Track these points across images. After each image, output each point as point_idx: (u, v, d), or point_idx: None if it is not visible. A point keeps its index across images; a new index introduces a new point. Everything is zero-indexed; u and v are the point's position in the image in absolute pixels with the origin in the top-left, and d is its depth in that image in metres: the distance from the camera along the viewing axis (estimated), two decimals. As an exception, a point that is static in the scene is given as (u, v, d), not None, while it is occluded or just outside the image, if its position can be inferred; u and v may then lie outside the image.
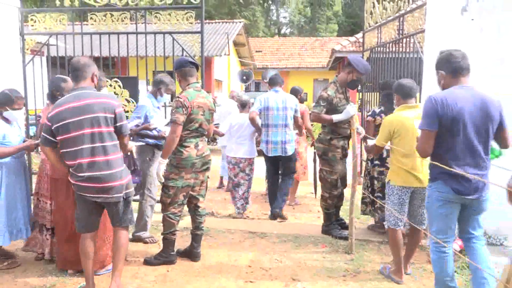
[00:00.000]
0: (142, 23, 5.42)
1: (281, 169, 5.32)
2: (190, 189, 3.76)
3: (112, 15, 5.12)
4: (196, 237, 3.91)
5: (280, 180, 5.33)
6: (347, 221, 4.55)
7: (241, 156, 5.28)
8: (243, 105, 5.58)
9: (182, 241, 4.31)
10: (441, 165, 2.72)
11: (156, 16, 5.11)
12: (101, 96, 3.07)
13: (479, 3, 3.83)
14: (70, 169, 3.02)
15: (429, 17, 4.48)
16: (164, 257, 3.79)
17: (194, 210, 3.90)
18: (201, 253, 3.95)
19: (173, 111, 3.56)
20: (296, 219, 5.39)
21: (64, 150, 3.00)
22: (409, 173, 3.38)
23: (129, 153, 3.73)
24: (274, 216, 5.21)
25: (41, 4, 19.01)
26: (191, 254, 3.91)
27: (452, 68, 2.78)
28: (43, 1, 19.62)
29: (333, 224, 4.67)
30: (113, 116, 3.02)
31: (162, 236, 3.82)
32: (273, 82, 5.28)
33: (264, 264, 3.87)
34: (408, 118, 3.39)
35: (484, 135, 2.72)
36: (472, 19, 3.88)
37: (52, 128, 2.96)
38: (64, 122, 2.94)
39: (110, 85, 5.05)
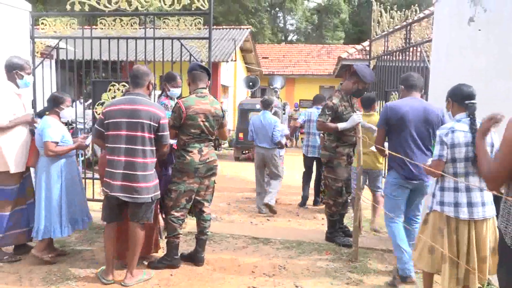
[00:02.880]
0: (150, 28, 5.46)
1: (315, 167, 6.46)
2: (194, 193, 3.78)
3: (121, 20, 5.16)
4: (200, 242, 3.92)
5: (315, 178, 6.48)
6: (351, 229, 4.55)
7: None
8: None
9: (186, 246, 4.32)
10: (395, 154, 3.60)
11: (164, 22, 5.16)
12: (150, 105, 3.36)
13: (487, 13, 3.83)
14: (106, 168, 3.34)
15: (437, 27, 4.49)
16: (168, 261, 3.80)
17: (199, 215, 3.91)
18: (205, 257, 3.96)
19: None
20: (300, 226, 5.39)
21: (108, 145, 3.35)
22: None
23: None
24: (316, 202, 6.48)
25: (51, 8, 19.21)
26: (195, 258, 3.92)
27: (408, 84, 3.69)
28: (53, 5, 19.84)
29: (337, 231, 4.67)
30: (157, 125, 3.34)
31: (166, 240, 3.84)
32: (317, 101, 6.62)
33: (267, 270, 3.88)
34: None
35: (426, 134, 3.56)
36: (480, 30, 3.88)
37: (104, 122, 3.34)
38: (114, 120, 3.30)
39: (118, 89, 5.10)
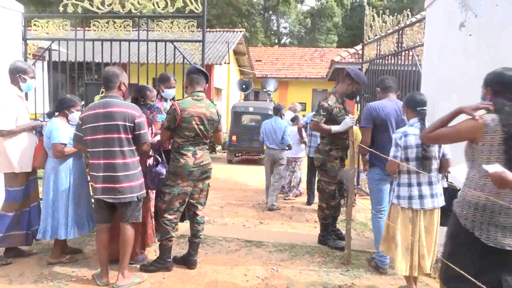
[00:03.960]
0: (143, 30, 5.45)
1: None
2: (187, 196, 3.77)
3: (114, 22, 5.15)
4: (193, 245, 3.91)
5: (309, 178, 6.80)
6: (343, 232, 4.56)
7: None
8: None
9: (179, 249, 4.31)
10: (376, 152, 3.92)
11: (158, 24, 5.15)
12: (124, 106, 3.37)
13: (478, 19, 3.88)
14: (90, 171, 3.39)
15: (428, 32, 4.53)
16: (161, 264, 3.79)
17: (192, 218, 3.91)
18: (198, 260, 3.96)
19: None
20: (293, 229, 5.40)
21: (88, 150, 3.41)
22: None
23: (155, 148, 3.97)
24: (310, 203, 6.81)
25: (44, 9, 19.09)
26: (187, 261, 3.91)
27: (384, 86, 4.11)
28: (45, 7, 19.71)
29: (330, 234, 4.68)
30: (132, 125, 3.35)
31: (158, 243, 3.82)
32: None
33: (260, 273, 3.88)
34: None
35: None
36: (470, 35, 3.93)
37: (82, 127, 3.39)
38: (91, 125, 3.34)
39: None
